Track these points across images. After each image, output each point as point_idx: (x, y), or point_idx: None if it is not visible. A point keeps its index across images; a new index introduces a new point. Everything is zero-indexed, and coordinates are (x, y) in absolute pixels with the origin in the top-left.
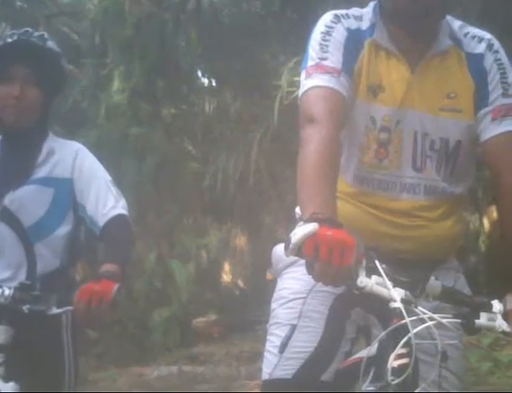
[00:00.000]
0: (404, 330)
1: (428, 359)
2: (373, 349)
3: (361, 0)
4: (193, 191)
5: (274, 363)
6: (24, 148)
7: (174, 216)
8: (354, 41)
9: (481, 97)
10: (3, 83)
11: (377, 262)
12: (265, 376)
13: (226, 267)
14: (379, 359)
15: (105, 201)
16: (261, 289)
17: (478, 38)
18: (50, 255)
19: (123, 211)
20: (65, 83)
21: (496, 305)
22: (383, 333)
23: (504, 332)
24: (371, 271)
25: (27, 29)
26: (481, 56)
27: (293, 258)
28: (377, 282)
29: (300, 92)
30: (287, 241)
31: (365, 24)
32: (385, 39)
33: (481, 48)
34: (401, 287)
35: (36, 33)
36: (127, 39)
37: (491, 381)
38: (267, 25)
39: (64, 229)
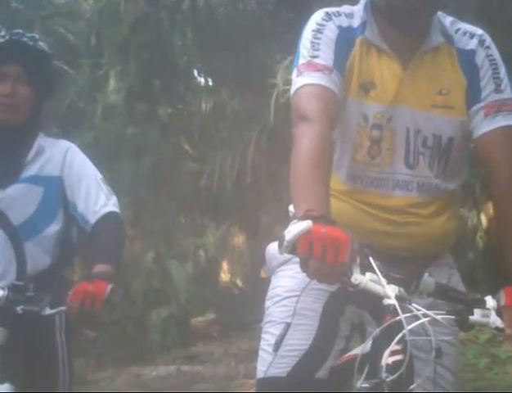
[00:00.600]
0: (398, 327)
1: (422, 355)
2: (367, 346)
3: None
4: (190, 191)
5: (268, 362)
6: (14, 146)
7: (172, 216)
8: (345, 38)
9: (473, 93)
10: None
11: (371, 259)
12: (260, 374)
13: (225, 266)
14: (374, 356)
15: (96, 198)
16: (259, 288)
17: (470, 34)
18: (40, 253)
19: (115, 209)
20: (56, 83)
21: (490, 302)
22: (377, 330)
23: (497, 329)
24: (365, 268)
25: (19, 30)
26: (472, 52)
27: (286, 256)
28: (371, 279)
29: (292, 90)
30: (281, 239)
31: (356, 22)
32: (376, 36)
33: (472, 44)
34: (395, 284)
35: (28, 34)
36: (123, 39)
37: (488, 376)
38: (263, 24)
39: (54, 227)
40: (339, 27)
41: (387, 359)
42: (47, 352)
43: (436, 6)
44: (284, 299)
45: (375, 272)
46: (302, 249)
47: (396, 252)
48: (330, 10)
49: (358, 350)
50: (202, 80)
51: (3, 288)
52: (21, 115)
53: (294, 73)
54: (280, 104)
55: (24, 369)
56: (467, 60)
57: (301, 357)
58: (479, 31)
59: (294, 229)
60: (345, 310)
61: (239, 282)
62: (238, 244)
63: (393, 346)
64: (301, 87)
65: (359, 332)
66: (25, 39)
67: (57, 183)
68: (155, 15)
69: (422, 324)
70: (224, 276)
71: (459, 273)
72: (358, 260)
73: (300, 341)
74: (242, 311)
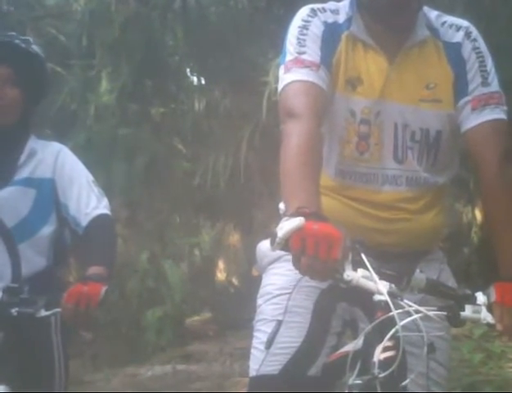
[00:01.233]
0: (390, 323)
1: (415, 350)
2: (359, 342)
3: None
4: (184, 190)
5: (261, 360)
6: (5, 149)
7: (166, 215)
8: (331, 34)
9: (460, 87)
10: None
11: (363, 255)
12: (252, 372)
13: (220, 265)
14: (366, 352)
15: (87, 200)
16: (255, 286)
17: (456, 27)
18: (35, 255)
19: (106, 211)
20: (48, 87)
21: (481, 298)
22: (369, 327)
23: (488, 324)
24: (357, 264)
25: (13, 32)
26: (459, 45)
27: (277, 254)
28: (363, 276)
29: (279, 87)
30: (273, 236)
31: (341, 18)
32: (362, 32)
33: (459, 37)
34: (387, 280)
35: (21, 37)
36: (114, 39)
37: (483, 371)
38: (254, 22)
39: (48, 229)
40: (325, 23)
41: (379, 355)
42: (43, 354)
43: (421, 2)
44: (275, 297)
45: (366, 268)
46: (294, 245)
47: (386, 248)
48: (315, 6)
49: (350, 347)
50: (194, 79)
51: None
52: (10, 117)
53: (282, 69)
54: (272, 102)
55: (20, 371)
56: (454, 53)
57: (293, 354)
58: (465, 23)
59: (287, 226)
60: (337, 307)
61: (234, 280)
62: (233, 243)
63: (386, 342)
64: (289, 83)
65: (351, 329)
66: (17, 41)
67: (50, 185)
68: (146, 15)
69: (414, 320)
70: (220, 275)
71: (449, 268)
72: (350, 257)
73: (292, 338)
74: (238, 310)
